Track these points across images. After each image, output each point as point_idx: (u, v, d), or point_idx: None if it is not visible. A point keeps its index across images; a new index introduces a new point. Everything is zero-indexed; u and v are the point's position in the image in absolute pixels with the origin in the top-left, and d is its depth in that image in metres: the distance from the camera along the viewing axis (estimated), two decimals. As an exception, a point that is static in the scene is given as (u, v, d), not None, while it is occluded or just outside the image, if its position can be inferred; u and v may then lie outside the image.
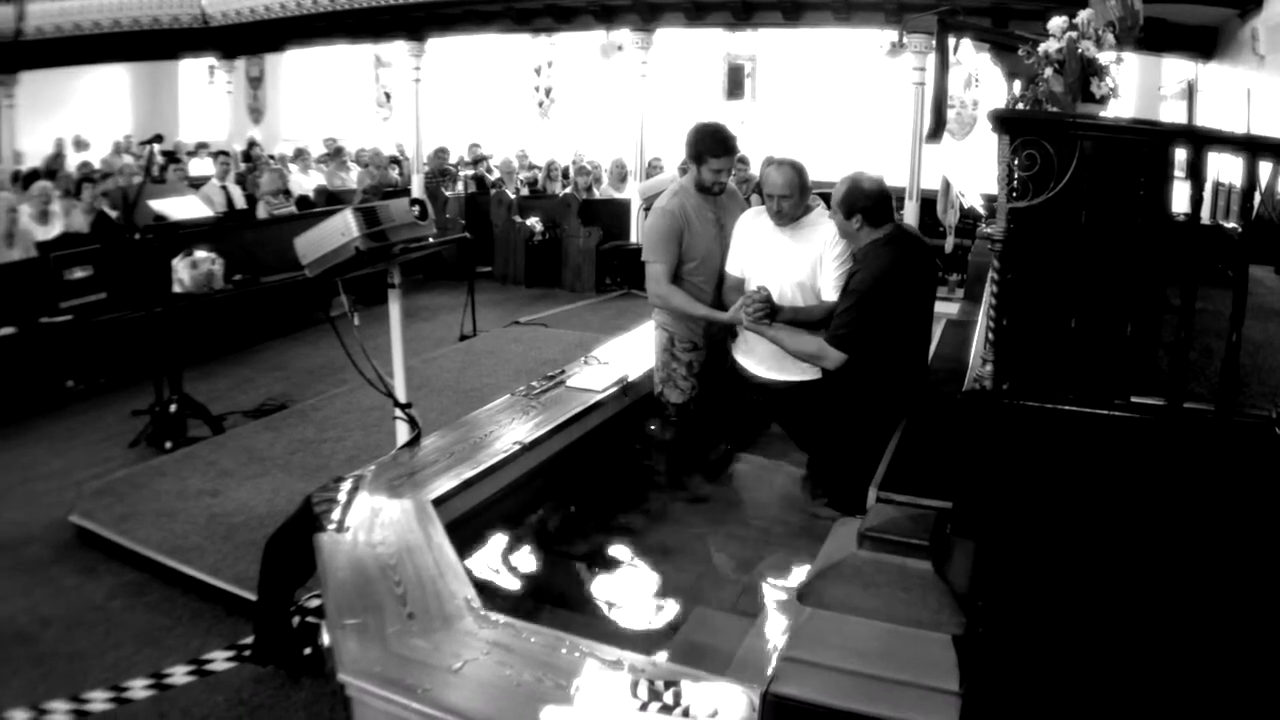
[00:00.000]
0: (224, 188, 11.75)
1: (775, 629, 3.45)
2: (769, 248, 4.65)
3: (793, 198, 4.51)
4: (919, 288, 4.48)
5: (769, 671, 2.46)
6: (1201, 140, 3.23)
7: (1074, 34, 3.53)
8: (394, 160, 15.02)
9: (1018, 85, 4.52)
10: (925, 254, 4.59)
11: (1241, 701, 3.00)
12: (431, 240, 4.69)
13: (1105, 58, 3.60)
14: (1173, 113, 10.88)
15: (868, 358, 4.31)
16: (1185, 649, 3.06)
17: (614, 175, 13.24)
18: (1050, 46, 3.58)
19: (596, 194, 13.04)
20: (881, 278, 4.20)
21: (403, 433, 4.68)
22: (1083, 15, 3.62)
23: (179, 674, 4.14)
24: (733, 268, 4.80)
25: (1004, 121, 3.25)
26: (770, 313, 4.44)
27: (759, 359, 4.74)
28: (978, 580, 2.63)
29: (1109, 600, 3.12)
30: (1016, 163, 3.20)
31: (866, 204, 4.23)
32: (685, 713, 2.56)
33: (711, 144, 4.78)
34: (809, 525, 4.54)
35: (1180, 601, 3.08)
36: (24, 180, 12.18)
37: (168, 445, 6.57)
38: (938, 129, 5.95)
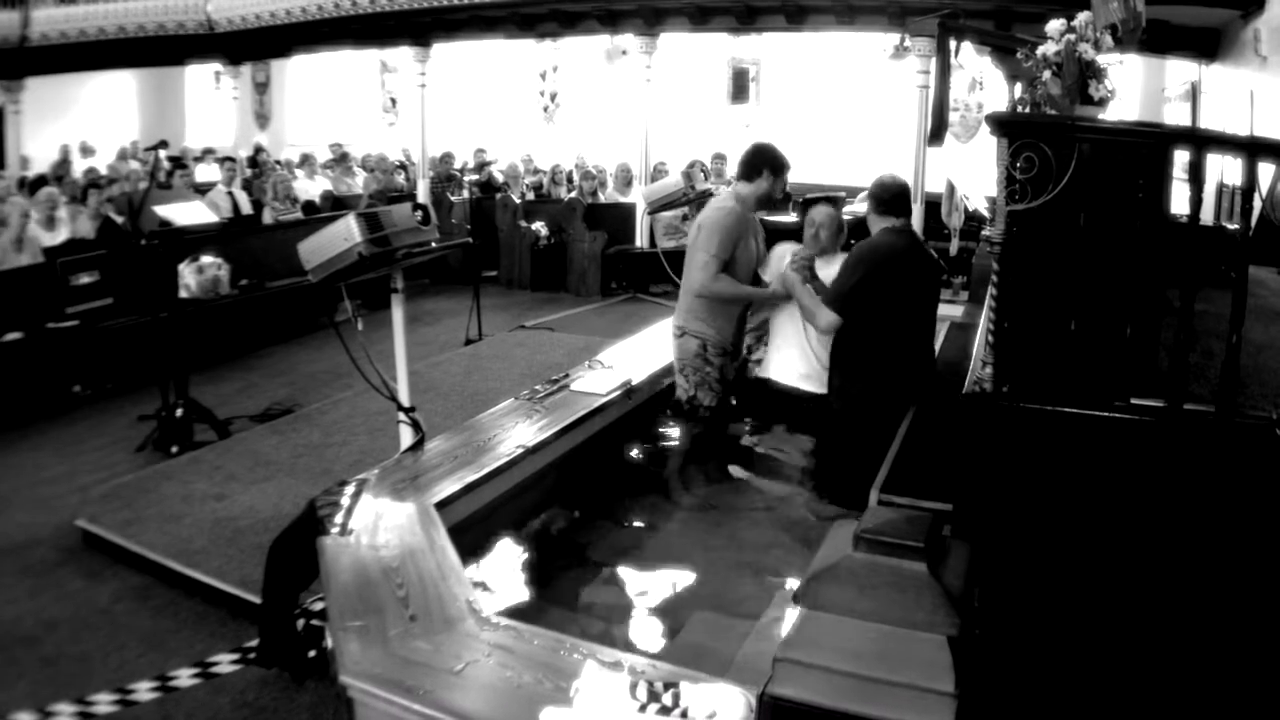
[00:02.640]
0: (230, 193, 11.81)
1: (776, 631, 3.46)
2: None
3: (830, 230, 5.31)
4: (917, 281, 4.83)
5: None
6: (1201, 142, 3.23)
7: (1072, 37, 3.54)
8: (400, 165, 15.06)
9: (1019, 88, 4.54)
10: (926, 255, 4.97)
11: (1241, 704, 3.01)
12: (434, 245, 4.71)
13: (1104, 60, 3.60)
14: (1177, 115, 10.86)
15: (873, 356, 4.71)
16: (1184, 652, 3.06)
17: (619, 179, 13.25)
18: (1048, 49, 3.58)
19: (601, 198, 13.05)
20: (874, 251, 4.75)
21: (407, 436, 4.70)
22: (1081, 18, 3.62)
23: (184, 676, 4.15)
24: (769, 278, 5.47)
25: (1002, 124, 3.25)
26: (811, 275, 5.07)
27: (777, 369, 5.38)
28: (975, 582, 2.64)
29: (1107, 603, 3.12)
30: (1015, 165, 3.20)
31: (877, 191, 4.87)
32: (684, 714, 2.57)
33: (782, 158, 5.35)
34: (812, 527, 4.55)
35: (1179, 604, 3.08)
36: (30, 186, 12.22)
37: (174, 450, 6.59)
38: (938, 132, 5.98)
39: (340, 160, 14.97)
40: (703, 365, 5.35)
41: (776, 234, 10.21)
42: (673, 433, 5.60)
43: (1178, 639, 3.08)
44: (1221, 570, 3.07)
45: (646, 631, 3.83)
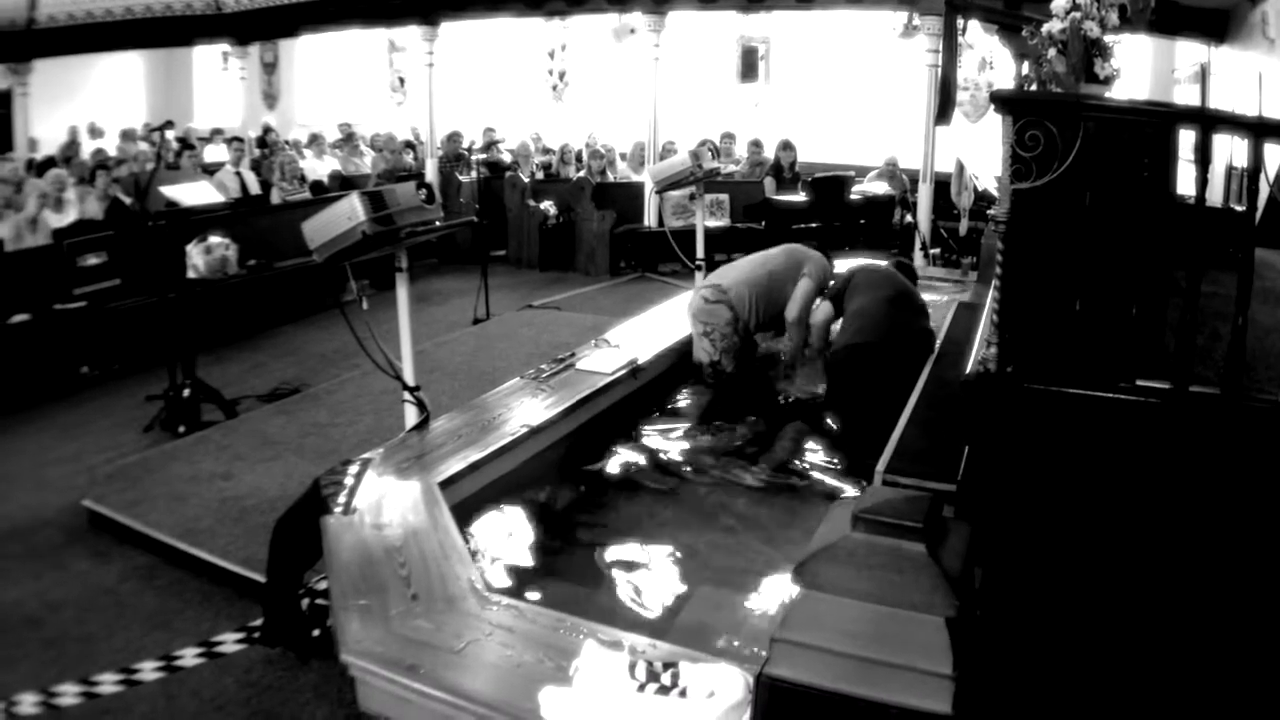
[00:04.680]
0: (238, 173, 11.79)
1: (778, 611, 3.46)
2: None
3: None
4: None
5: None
6: (1207, 122, 3.20)
7: (1077, 14, 3.51)
8: (408, 145, 15.01)
9: (1026, 66, 4.51)
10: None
11: (1242, 690, 3.00)
12: (439, 223, 4.71)
13: (1110, 39, 3.57)
14: (1186, 96, 10.77)
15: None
16: (1187, 635, 3.05)
17: (633, 159, 13.21)
18: (1053, 27, 3.55)
19: (610, 177, 13.01)
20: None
21: (412, 416, 4.70)
22: (1086, -4, 3.59)
23: (189, 656, 4.17)
24: None
25: (1006, 102, 3.22)
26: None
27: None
28: (975, 563, 2.63)
29: (1110, 585, 3.11)
30: (1020, 143, 3.18)
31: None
32: (682, 693, 2.58)
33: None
34: (814, 507, 4.55)
35: (1183, 587, 3.08)
36: (39, 168, 12.22)
37: (181, 430, 6.61)
38: (945, 111, 5.95)
39: (348, 140, 14.92)
40: (731, 334, 6.01)
41: (787, 214, 10.26)
42: (680, 409, 5.63)
43: (1181, 623, 3.07)
44: (1226, 554, 3.05)
45: (647, 611, 3.84)
